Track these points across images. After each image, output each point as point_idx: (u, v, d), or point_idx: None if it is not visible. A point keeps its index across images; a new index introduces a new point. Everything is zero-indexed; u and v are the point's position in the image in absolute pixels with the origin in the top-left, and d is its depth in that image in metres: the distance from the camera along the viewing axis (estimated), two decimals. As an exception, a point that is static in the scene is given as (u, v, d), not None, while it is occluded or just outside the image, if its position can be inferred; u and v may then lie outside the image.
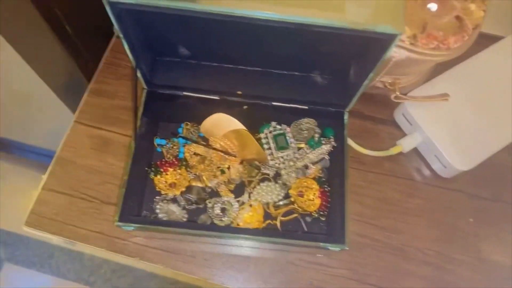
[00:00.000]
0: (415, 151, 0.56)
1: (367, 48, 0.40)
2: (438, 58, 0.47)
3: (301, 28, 0.35)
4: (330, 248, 0.45)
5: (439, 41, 0.46)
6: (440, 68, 0.57)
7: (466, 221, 0.53)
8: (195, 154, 0.51)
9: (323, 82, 0.49)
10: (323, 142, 0.51)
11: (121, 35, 0.39)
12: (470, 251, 0.52)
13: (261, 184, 0.50)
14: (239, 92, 0.48)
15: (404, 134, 0.57)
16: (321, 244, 0.44)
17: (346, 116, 0.50)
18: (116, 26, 0.37)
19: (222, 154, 0.50)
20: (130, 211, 0.45)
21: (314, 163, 0.50)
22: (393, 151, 0.53)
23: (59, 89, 0.71)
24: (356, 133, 0.57)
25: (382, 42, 0.35)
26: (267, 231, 0.47)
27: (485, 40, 0.60)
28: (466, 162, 0.51)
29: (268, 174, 0.50)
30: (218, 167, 0.51)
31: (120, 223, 0.43)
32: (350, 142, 0.54)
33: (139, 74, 0.45)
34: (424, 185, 0.55)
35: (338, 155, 0.49)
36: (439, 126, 0.53)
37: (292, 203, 0.49)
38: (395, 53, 0.46)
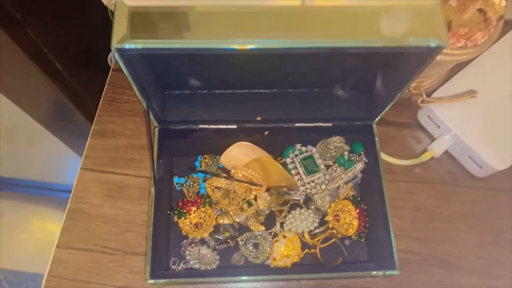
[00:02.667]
0: (446, 153, 0.53)
1: (402, 60, 0.36)
2: (465, 56, 0.44)
3: (331, 52, 0.31)
4: (381, 275, 0.42)
5: (465, 38, 0.43)
6: (458, 65, 0.54)
7: (510, 220, 0.51)
8: (217, 188, 0.48)
9: (347, 96, 0.46)
10: (353, 159, 0.48)
11: (130, 79, 0.35)
12: (515, 252, 0.49)
13: (293, 212, 0.46)
14: (259, 118, 0.45)
15: (431, 137, 0.54)
16: (373, 273, 0.41)
17: (375, 129, 0.47)
18: (125, 71, 0.33)
19: (246, 185, 0.47)
20: (160, 264, 0.42)
21: (348, 182, 0.47)
22: (425, 157, 0.50)
23: (59, 132, 0.67)
24: (381, 141, 0.53)
25: (422, 55, 0.32)
26: (310, 268, 0.43)
27: (506, 27, 0.57)
28: (503, 160, 0.48)
29: (298, 201, 0.47)
30: (244, 199, 0.47)
31: (152, 281, 0.40)
32: (379, 152, 0.51)
33: (151, 115, 0.42)
34: (460, 188, 0.52)
35: (371, 171, 0.46)
36: (470, 125, 0.50)
37: (331, 229, 0.46)
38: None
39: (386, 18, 0.31)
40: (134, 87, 0.36)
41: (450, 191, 0.52)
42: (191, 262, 0.44)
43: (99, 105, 0.54)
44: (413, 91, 0.48)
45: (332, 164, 0.48)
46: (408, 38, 0.30)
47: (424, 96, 0.48)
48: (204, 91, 0.45)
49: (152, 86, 0.40)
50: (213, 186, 0.48)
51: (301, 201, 0.47)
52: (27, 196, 1.15)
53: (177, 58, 0.37)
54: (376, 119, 0.46)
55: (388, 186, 0.51)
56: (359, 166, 0.46)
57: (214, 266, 0.45)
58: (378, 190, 0.44)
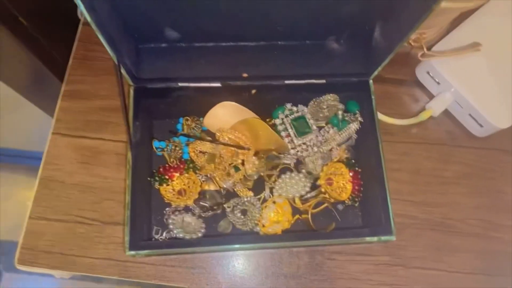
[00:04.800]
0: (444, 112, 0.50)
1: (403, 5, 0.32)
2: (473, 3, 0.40)
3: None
4: (376, 241, 0.39)
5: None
6: (461, 16, 0.50)
7: (509, 182, 0.49)
8: (201, 152, 0.44)
9: (341, 48, 0.42)
10: (347, 119, 0.44)
11: (95, 27, 0.30)
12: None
13: (283, 176, 0.43)
14: (245, 75, 0.41)
15: (430, 95, 0.50)
16: (367, 239, 0.38)
17: (371, 85, 0.43)
18: (88, 18, 0.28)
19: (233, 149, 0.43)
20: (140, 234, 0.39)
21: (341, 144, 0.44)
22: (424, 116, 0.47)
23: (28, 92, 0.62)
24: (377, 100, 0.50)
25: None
26: (302, 235, 0.41)
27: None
28: (506, 119, 0.45)
29: (289, 164, 0.44)
30: (231, 164, 0.44)
31: (132, 252, 0.37)
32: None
33: (123, 71, 0.37)
34: (459, 149, 0.49)
35: (367, 131, 0.43)
36: (472, 81, 0.46)
37: (323, 193, 0.43)
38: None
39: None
40: (101, 38, 0.32)
41: (448, 152, 0.49)
42: (175, 231, 0.41)
43: (69, 63, 0.49)
44: (413, 44, 0.44)
45: (325, 124, 0.45)
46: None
47: (425, 49, 0.44)
48: (184, 44, 0.41)
49: (123, 38, 0.36)
50: (197, 150, 0.44)
51: (292, 164, 0.44)
52: (7, 165, 1.11)
53: (146, 1, 0.32)
54: (373, 75, 0.42)
55: (384, 147, 0.48)
56: (354, 126, 0.43)
57: (199, 235, 0.42)
58: (375, 152, 0.41)
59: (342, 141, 0.44)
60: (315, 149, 0.43)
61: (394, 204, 0.46)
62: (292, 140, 0.43)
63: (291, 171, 0.44)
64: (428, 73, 0.48)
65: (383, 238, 0.39)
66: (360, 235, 0.40)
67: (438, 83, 0.48)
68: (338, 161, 0.44)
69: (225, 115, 0.43)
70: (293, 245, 0.42)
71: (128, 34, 0.37)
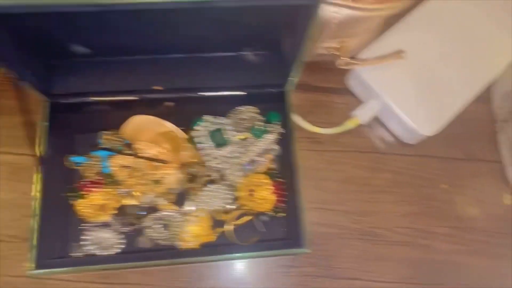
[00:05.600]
0: (377, 119, 0.50)
1: (294, 16, 0.32)
2: (385, 11, 0.40)
3: (201, 6, 0.27)
4: (290, 254, 0.39)
5: (383, -9, 0.39)
6: (391, 21, 0.50)
7: (439, 188, 0.48)
8: (122, 166, 0.44)
9: (258, 60, 0.41)
10: (270, 129, 0.44)
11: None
12: (446, 220, 0.47)
13: (205, 189, 0.43)
14: (158, 87, 0.40)
15: (361, 102, 0.50)
16: (277, 251, 0.38)
17: (288, 96, 0.42)
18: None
19: (154, 162, 0.43)
20: (51, 252, 0.38)
21: (262, 155, 0.44)
22: (349, 124, 0.47)
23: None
24: (309, 109, 0.50)
25: (306, 8, 0.28)
26: (222, 249, 0.40)
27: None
28: (431, 126, 0.45)
29: (210, 176, 0.44)
30: (152, 178, 0.43)
31: (39, 271, 0.36)
32: (300, 121, 0.47)
33: (30, 86, 0.37)
34: (390, 156, 0.49)
35: (288, 141, 0.42)
36: (398, 88, 0.46)
37: (243, 205, 0.43)
38: (335, 13, 0.39)
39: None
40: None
41: (379, 159, 0.49)
42: (91, 248, 0.41)
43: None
44: (335, 53, 0.44)
45: (245, 136, 0.44)
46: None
47: (346, 58, 0.44)
48: (96, 59, 0.40)
49: (30, 54, 0.35)
50: (117, 164, 0.44)
51: (214, 177, 0.44)
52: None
53: (37, 18, 0.32)
54: (288, 86, 0.41)
55: (313, 156, 0.48)
56: (272, 136, 0.43)
57: (117, 251, 0.41)
58: (291, 162, 0.41)
59: (260, 152, 0.43)
60: (235, 160, 0.43)
61: (321, 214, 0.46)
62: (209, 153, 0.43)
63: (213, 183, 0.43)
64: (356, 81, 0.48)
65: (295, 251, 0.38)
66: (273, 248, 0.39)
67: (366, 91, 0.47)
68: (264, 172, 0.44)
69: (143, 129, 0.43)
70: (214, 260, 0.41)
71: (37, 51, 0.37)
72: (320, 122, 0.48)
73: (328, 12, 0.39)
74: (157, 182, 0.43)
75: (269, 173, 0.44)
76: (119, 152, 0.43)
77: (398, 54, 0.46)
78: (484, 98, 0.51)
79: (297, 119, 0.47)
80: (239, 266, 0.44)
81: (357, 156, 0.48)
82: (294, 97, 0.49)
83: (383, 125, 0.49)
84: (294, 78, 0.40)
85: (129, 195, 0.43)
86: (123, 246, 0.41)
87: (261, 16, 0.35)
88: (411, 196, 0.47)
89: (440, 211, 0.47)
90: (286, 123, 0.42)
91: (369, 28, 0.44)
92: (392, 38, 0.48)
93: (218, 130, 0.42)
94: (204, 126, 0.43)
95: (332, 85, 0.51)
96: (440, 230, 0.46)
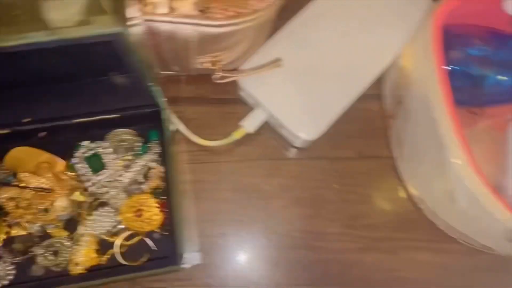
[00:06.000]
0: (268, 126, 0.50)
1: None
2: (244, 25, 0.40)
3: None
4: (169, 271, 0.40)
5: (236, 6, 0.40)
6: (282, 23, 0.50)
7: (331, 188, 0.49)
8: (9, 198, 0.44)
9: (126, 82, 0.42)
10: (151, 149, 0.44)
11: None
12: (338, 220, 0.48)
13: (94, 213, 0.44)
14: (28, 119, 0.41)
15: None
16: (152, 272, 0.39)
17: (164, 114, 0.43)
18: None
19: (38, 192, 0.43)
20: None
21: (145, 175, 0.44)
22: (237, 135, 0.47)
23: None
24: (204, 121, 0.50)
25: (110, 44, 0.28)
26: (112, 271, 0.41)
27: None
28: (312, 130, 0.46)
29: (97, 200, 0.44)
30: (40, 206, 0.44)
31: None
32: (190, 135, 0.48)
33: None
34: (283, 161, 0.50)
35: (167, 159, 0.43)
36: (279, 96, 0.47)
37: (129, 226, 0.44)
38: (185, 30, 0.39)
39: (52, 7, 0.27)
40: None
41: (273, 166, 0.50)
42: (-24, 282, 0.42)
43: None
44: (211, 67, 0.45)
45: (130, 159, 0.45)
46: (74, 29, 0.26)
47: (221, 71, 0.44)
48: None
49: None
50: (3, 196, 0.44)
51: (100, 201, 0.44)
52: None
53: None
54: (161, 104, 0.42)
55: (208, 168, 0.49)
56: (150, 156, 0.44)
57: (6, 282, 0.42)
58: (170, 178, 0.41)
59: (142, 172, 0.44)
60: (116, 183, 0.43)
61: (214, 225, 0.47)
62: (90, 178, 0.43)
63: (100, 207, 0.44)
64: (243, 91, 0.49)
65: (173, 268, 0.39)
66: (161, 266, 0.40)
67: (252, 100, 0.48)
68: (149, 191, 0.45)
69: (23, 160, 0.43)
70: (102, 282, 0.42)
71: None
72: (216, 134, 0.49)
73: (183, 30, 0.39)
74: (44, 210, 0.44)
75: (154, 192, 0.45)
76: (4, 184, 0.44)
77: (276, 62, 0.46)
78: (376, 95, 0.52)
79: (188, 133, 0.48)
80: (135, 284, 0.45)
81: (250, 164, 0.49)
82: (188, 111, 0.50)
83: (275, 131, 0.50)
84: (160, 97, 0.40)
85: (17, 225, 0.44)
86: (11, 277, 0.42)
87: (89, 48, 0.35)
88: (304, 199, 0.48)
89: (333, 211, 0.48)
90: (164, 141, 0.43)
91: (243, 39, 0.44)
92: (277, 45, 0.49)
93: (95, 155, 0.43)
94: (82, 152, 0.44)
95: (226, 96, 0.51)
96: (333, 230, 0.48)
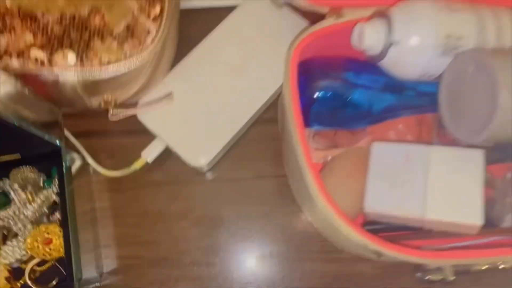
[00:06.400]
0: (172, 153, 0.55)
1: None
2: (121, 71, 0.45)
3: None
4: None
5: (110, 53, 0.44)
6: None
7: (229, 208, 0.53)
8: None
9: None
10: (50, 185, 0.49)
11: None
12: (233, 237, 0.52)
13: (4, 245, 0.49)
14: None
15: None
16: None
17: (63, 151, 0.48)
18: None
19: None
20: None
21: (50, 207, 0.49)
22: (137, 165, 0.52)
23: None
24: (112, 152, 0.55)
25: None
26: None
27: (225, 12, 0.58)
28: (204, 157, 0.50)
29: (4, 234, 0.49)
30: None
31: None
32: (96, 167, 0.52)
33: None
34: (185, 185, 0.54)
35: (64, 191, 0.48)
36: (173, 127, 0.51)
37: (34, 254, 0.48)
38: (69, 78, 0.44)
39: None
40: None
41: (176, 190, 0.54)
42: None
43: None
44: (105, 106, 0.49)
45: (32, 192, 0.50)
46: None
47: (112, 111, 0.48)
48: None
49: None
50: None
51: (10, 232, 0.49)
52: None
53: None
54: (60, 142, 0.47)
55: (115, 196, 0.54)
56: (51, 190, 0.48)
57: None
58: (66, 208, 0.46)
59: (43, 205, 0.49)
60: (21, 216, 0.48)
61: (122, 248, 0.51)
62: (-3, 214, 0.48)
63: (11, 238, 0.49)
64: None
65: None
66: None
67: (150, 131, 0.53)
68: (55, 221, 0.50)
69: None
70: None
71: None
72: (123, 163, 0.53)
73: (67, 78, 0.44)
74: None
75: (60, 221, 0.49)
76: None
77: (167, 97, 0.51)
78: (272, 118, 0.56)
79: (94, 165, 0.52)
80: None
81: (155, 189, 0.54)
82: (98, 143, 0.55)
83: (178, 157, 0.54)
84: (55, 139, 0.45)
85: None
86: None
87: None
88: (203, 219, 0.53)
89: (230, 229, 0.52)
90: (62, 175, 0.48)
91: (130, 80, 0.49)
92: (171, 79, 0.53)
93: (1, 192, 0.48)
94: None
95: (133, 127, 0.55)
96: (229, 248, 0.52)
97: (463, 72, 0.40)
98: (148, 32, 0.45)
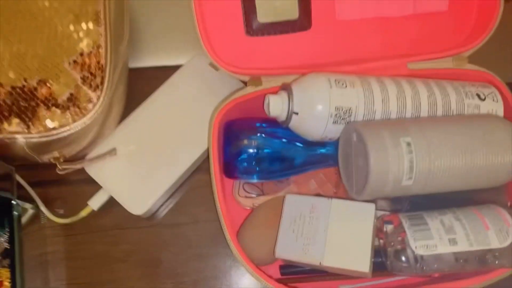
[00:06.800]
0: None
1: None
2: (63, 134, 0.51)
3: None
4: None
5: (53, 119, 0.50)
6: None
7: (168, 251, 0.59)
8: None
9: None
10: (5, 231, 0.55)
11: None
12: (172, 277, 0.58)
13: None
14: None
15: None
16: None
17: (11, 204, 0.54)
18: None
19: None
20: None
21: (3, 253, 0.55)
22: (83, 213, 0.58)
23: None
24: (65, 200, 0.61)
25: None
26: None
27: (172, 70, 0.65)
28: (141, 206, 0.56)
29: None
30: None
31: None
32: (48, 214, 0.58)
33: None
34: (130, 230, 0.60)
35: (13, 240, 0.54)
36: (116, 178, 0.57)
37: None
38: (18, 141, 0.50)
39: None
40: None
41: (120, 234, 0.60)
42: None
43: None
44: (54, 162, 0.55)
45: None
46: None
47: (60, 167, 0.55)
48: None
49: None
50: None
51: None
52: None
53: None
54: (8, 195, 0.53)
55: (69, 241, 0.59)
56: (3, 238, 0.54)
57: None
58: (13, 255, 0.52)
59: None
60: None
61: (70, 289, 0.57)
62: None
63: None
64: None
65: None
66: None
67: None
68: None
69: None
70: None
71: None
72: (75, 210, 0.59)
73: (16, 141, 0.50)
74: None
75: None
76: None
77: (112, 152, 0.57)
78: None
79: (46, 213, 0.58)
80: None
81: (102, 234, 0.60)
82: (52, 192, 0.61)
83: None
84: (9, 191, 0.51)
85: None
86: None
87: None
88: (144, 261, 0.58)
89: (167, 270, 0.58)
90: (12, 225, 0.54)
91: (75, 140, 0.55)
92: (118, 135, 0.59)
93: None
94: None
95: (85, 176, 0.61)
96: (167, 286, 0.57)
97: (349, 140, 0.46)
98: (90, 101, 0.52)
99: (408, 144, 0.41)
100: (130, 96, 0.64)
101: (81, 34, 0.52)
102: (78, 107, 0.51)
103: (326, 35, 0.56)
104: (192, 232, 0.60)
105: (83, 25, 0.53)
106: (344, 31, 0.56)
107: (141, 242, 0.59)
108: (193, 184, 0.61)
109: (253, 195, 0.58)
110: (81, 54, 0.52)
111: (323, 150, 0.53)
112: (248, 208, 0.59)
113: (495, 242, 0.42)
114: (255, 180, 0.56)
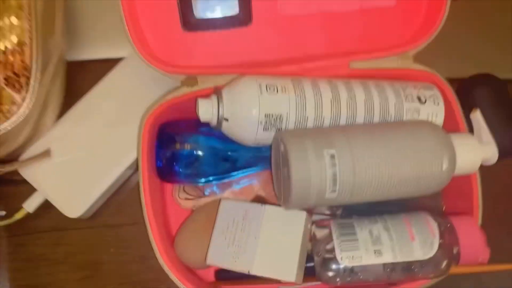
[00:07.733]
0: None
1: None
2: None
3: None
4: None
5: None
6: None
7: (108, 252, 0.58)
8: None
9: None
10: None
11: None
12: (114, 279, 0.57)
13: None
14: None
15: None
16: None
17: None
18: None
19: None
20: None
21: None
22: (18, 216, 0.56)
23: None
24: (8, 201, 0.59)
25: None
26: None
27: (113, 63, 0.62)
28: (78, 208, 0.55)
29: None
30: None
31: None
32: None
33: None
34: (70, 232, 0.59)
35: None
36: (51, 180, 0.55)
37: None
38: None
39: None
40: None
41: (59, 236, 0.59)
42: None
43: None
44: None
45: None
46: None
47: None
48: None
49: None
50: None
51: None
52: None
53: None
54: None
55: (3, 242, 0.58)
56: None
57: None
58: None
59: None
60: None
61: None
62: None
63: None
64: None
65: None
66: None
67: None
68: None
69: None
70: None
71: None
72: (15, 211, 0.58)
73: None
74: None
75: None
76: None
77: (45, 153, 0.55)
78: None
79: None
80: None
81: (38, 236, 0.58)
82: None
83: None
84: None
85: None
86: None
87: None
88: (84, 263, 0.58)
89: (108, 272, 0.58)
90: None
91: (12, 137, 0.53)
92: (53, 134, 0.57)
93: None
94: None
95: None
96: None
97: (277, 149, 0.45)
98: (14, 103, 0.49)
99: (332, 156, 0.40)
100: (70, 90, 0.61)
101: (3, 30, 0.49)
102: (1, 111, 0.49)
103: (267, 31, 0.54)
104: (133, 233, 0.59)
105: (6, 20, 0.50)
106: (286, 27, 0.54)
107: (81, 243, 0.58)
108: (134, 184, 0.60)
109: (193, 197, 0.57)
110: (4, 53, 0.49)
111: (261, 153, 0.52)
112: (188, 209, 0.58)
113: (419, 254, 0.42)
114: (193, 184, 0.55)
